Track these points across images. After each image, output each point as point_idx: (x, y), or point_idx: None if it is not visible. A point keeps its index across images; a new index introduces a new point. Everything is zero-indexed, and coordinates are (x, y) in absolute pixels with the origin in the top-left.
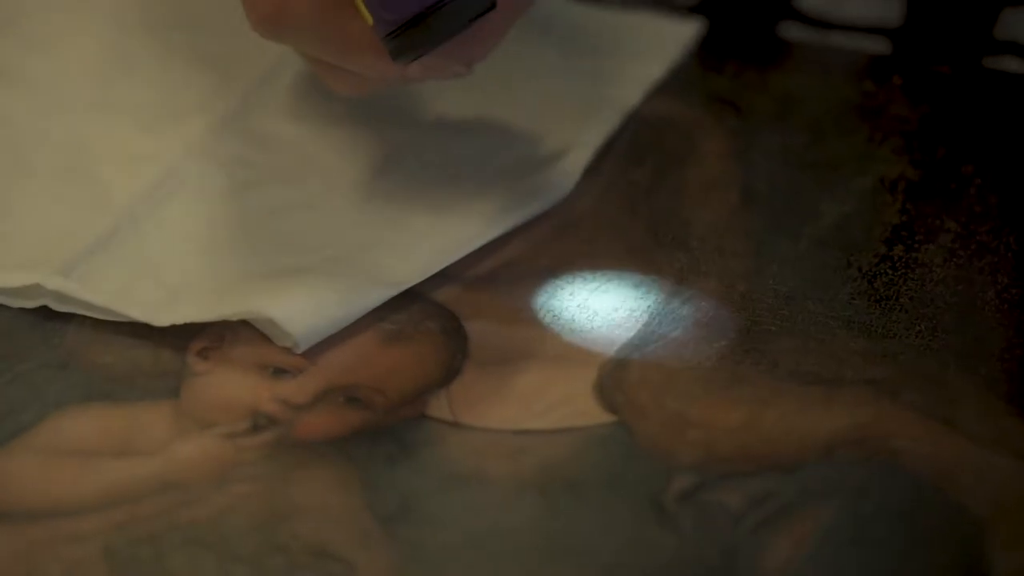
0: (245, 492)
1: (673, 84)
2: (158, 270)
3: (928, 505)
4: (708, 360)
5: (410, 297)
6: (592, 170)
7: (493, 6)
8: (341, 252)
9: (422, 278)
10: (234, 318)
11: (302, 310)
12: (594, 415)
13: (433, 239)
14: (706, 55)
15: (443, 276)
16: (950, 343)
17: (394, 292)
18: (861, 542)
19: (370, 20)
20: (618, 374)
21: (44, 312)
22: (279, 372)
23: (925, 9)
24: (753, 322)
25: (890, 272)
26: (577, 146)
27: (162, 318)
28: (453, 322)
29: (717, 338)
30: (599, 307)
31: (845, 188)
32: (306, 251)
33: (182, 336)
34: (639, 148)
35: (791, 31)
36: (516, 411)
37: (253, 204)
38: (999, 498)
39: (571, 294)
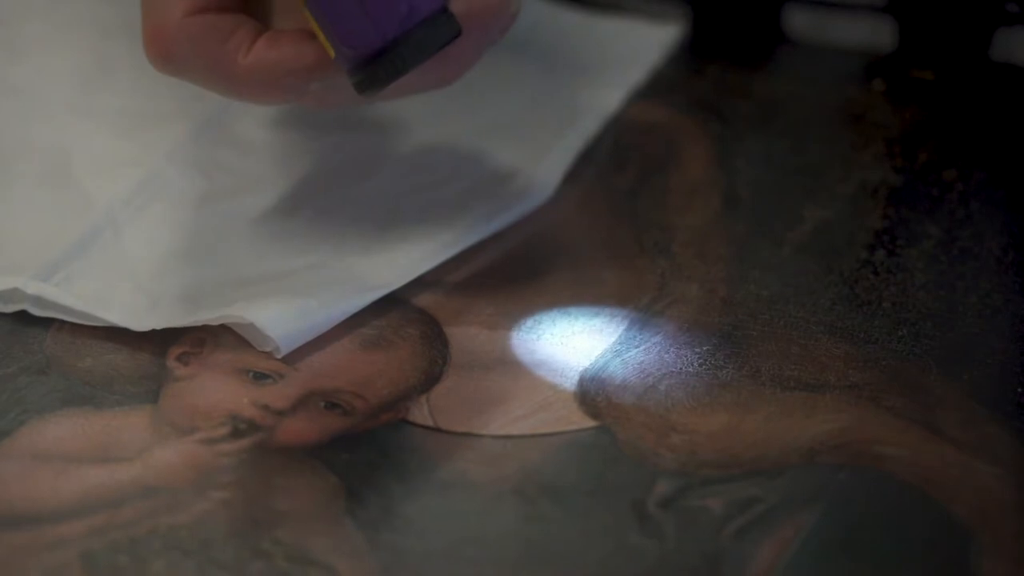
0: (225, 498)
1: (656, 89)
2: (138, 275)
3: (911, 510)
4: (690, 365)
5: (391, 302)
6: (574, 175)
7: (458, 34)
8: (322, 257)
9: (403, 283)
10: (215, 323)
11: (283, 315)
12: (576, 420)
13: (414, 244)
14: (689, 60)
15: (424, 281)
16: (932, 348)
17: (375, 297)
18: (844, 547)
19: (332, 53)
20: (600, 379)
21: (23, 317)
22: (259, 377)
23: (917, 32)
24: (735, 327)
25: (872, 277)
26: (557, 151)
27: (142, 323)
28: (434, 327)
29: (699, 343)
30: (580, 312)
31: (827, 194)
32: (287, 256)
33: (162, 341)
34: (621, 153)
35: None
36: (497, 416)
37: (233, 209)
38: (982, 504)
39: (552, 299)
